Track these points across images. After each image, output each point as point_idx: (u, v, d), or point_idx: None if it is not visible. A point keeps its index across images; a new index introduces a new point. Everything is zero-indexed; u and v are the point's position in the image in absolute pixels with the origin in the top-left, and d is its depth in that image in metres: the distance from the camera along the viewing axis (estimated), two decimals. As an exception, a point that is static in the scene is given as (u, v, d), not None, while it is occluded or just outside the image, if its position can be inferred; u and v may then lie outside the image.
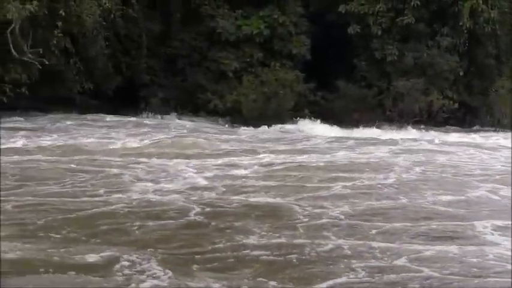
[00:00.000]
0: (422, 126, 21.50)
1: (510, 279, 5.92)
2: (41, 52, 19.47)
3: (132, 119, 20.76)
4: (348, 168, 11.98)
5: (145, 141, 15.03)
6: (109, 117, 20.28)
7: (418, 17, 22.74)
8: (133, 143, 14.65)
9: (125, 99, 23.01)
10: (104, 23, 21.57)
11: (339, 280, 5.76)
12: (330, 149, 14.98)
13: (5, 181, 9.50)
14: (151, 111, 23.25)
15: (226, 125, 21.34)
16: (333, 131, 19.95)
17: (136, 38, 23.52)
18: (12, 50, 18.70)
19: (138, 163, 11.63)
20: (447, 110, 22.50)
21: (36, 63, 19.41)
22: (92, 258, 5.98)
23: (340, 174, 11.17)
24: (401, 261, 6.30)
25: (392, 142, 16.60)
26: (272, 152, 14.00)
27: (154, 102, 23.66)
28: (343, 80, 23.27)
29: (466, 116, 23.46)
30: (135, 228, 7.07)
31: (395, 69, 23.04)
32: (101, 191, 9.00)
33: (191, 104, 23.69)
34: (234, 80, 23.58)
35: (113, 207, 8.07)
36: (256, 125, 21.04)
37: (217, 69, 23.87)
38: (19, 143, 14.07)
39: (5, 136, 14.85)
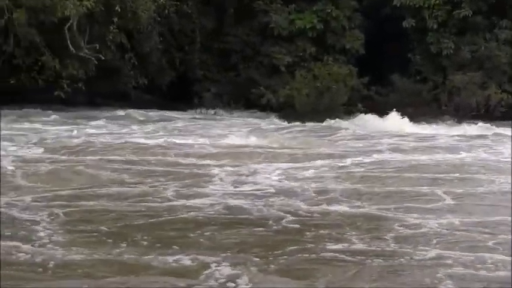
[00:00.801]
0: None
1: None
2: (98, 48, 19.68)
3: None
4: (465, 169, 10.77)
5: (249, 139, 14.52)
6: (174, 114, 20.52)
7: (476, 9, 22.39)
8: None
9: (177, 94, 23.17)
10: (159, 19, 21.75)
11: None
12: (436, 147, 13.68)
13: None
14: (204, 106, 23.33)
15: (285, 122, 20.93)
16: (408, 126, 19.31)
17: (190, 33, 23.66)
18: (70, 46, 18.94)
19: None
20: (505, 104, 22.11)
21: (93, 58, 19.63)
22: (181, 263, 5.77)
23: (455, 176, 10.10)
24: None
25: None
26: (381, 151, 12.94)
27: (207, 97, 23.73)
28: (398, 75, 23.05)
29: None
30: (227, 234, 6.75)
31: (452, 63, 22.73)
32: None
33: (244, 99, 23.69)
34: (286, 74, 23.50)
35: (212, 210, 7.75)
36: (309, 119, 20.93)
37: (270, 64, 23.84)
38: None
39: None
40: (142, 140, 13.48)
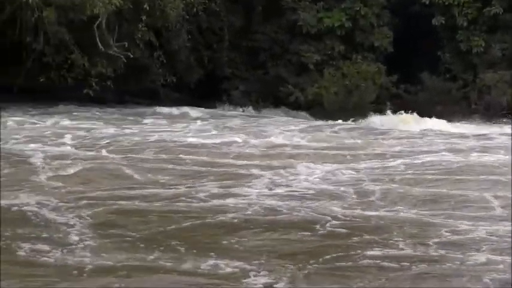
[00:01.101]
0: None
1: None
2: (126, 46, 19.72)
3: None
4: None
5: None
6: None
7: (506, 7, 22.10)
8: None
9: (205, 92, 23.20)
10: (187, 17, 21.72)
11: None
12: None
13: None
14: (232, 104, 23.37)
15: (320, 120, 20.69)
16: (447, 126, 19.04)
17: (218, 31, 23.66)
18: (99, 44, 18.97)
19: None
20: (537, 103, 21.87)
21: (122, 56, 19.66)
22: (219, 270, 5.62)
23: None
24: None
25: None
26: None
27: (235, 95, 23.75)
28: (427, 73, 22.88)
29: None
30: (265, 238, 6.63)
31: (482, 61, 22.50)
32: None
33: (272, 97, 23.67)
34: (315, 72, 23.45)
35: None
36: (337, 117, 20.87)
37: (298, 62, 23.79)
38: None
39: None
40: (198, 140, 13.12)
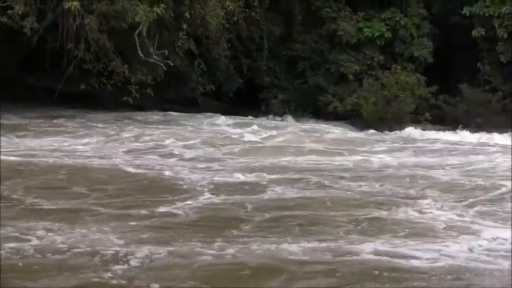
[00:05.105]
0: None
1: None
2: (166, 54, 19.93)
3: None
4: None
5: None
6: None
7: (547, 18, 21.98)
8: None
9: (244, 101, 23.34)
10: (227, 25, 21.90)
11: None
12: None
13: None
14: (272, 113, 23.51)
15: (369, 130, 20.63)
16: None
17: (257, 40, 23.87)
18: (139, 52, 19.23)
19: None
20: None
21: (162, 64, 19.88)
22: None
23: None
24: None
25: None
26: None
27: (274, 104, 23.89)
28: (466, 84, 22.77)
29: None
30: None
31: (522, 73, 22.36)
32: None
33: (311, 106, 23.77)
34: (354, 82, 23.50)
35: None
36: (376, 128, 20.95)
37: (337, 72, 23.87)
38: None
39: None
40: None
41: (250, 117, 21.11)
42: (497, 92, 22.72)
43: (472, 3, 22.69)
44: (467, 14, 22.71)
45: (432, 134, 20.02)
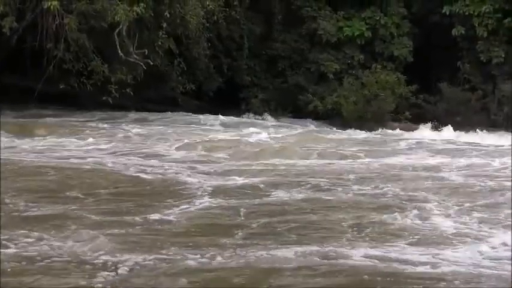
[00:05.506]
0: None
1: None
2: (146, 53, 19.83)
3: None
4: None
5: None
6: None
7: (527, 18, 22.09)
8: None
9: (224, 100, 23.26)
10: (207, 25, 21.80)
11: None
12: None
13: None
14: (252, 112, 23.45)
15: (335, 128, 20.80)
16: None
17: (238, 39, 23.78)
18: (119, 51, 19.10)
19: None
20: (556, 114, 21.75)
21: (141, 64, 19.77)
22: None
23: None
24: None
25: None
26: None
27: (254, 103, 23.82)
28: (446, 83, 22.83)
29: None
30: None
31: (501, 72, 22.41)
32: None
33: (291, 106, 23.73)
34: (334, 81, 23.49)
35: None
36: (356, 127, 20.99)
37: (317, 71, 23.84)
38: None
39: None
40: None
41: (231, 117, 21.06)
42: (476, 91, 22.81)
43: (452, 2, 22.76)
44: (447, 13, 22.77)
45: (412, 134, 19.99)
